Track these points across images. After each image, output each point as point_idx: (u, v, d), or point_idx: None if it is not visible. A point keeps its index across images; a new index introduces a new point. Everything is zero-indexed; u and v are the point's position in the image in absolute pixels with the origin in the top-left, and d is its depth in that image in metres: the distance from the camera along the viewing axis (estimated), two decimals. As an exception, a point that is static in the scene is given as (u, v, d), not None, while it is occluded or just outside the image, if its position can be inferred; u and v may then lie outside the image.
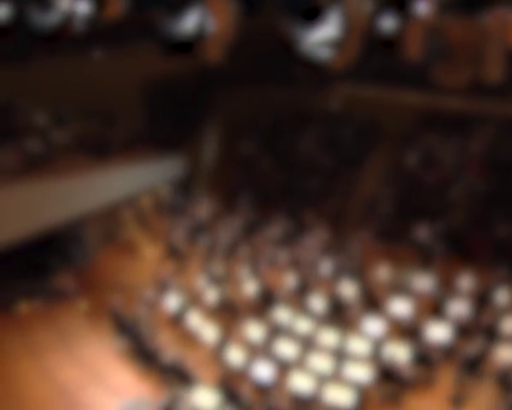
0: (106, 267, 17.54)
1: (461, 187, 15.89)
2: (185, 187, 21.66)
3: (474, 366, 10.16)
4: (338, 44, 6.42)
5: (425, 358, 10.66)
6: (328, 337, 11.68)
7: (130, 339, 12.96)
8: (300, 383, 10.56)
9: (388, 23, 7.48)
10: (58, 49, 13.03)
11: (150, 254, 17.99)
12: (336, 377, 10.66)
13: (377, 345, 11.22)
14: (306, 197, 17.97)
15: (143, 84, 19.99)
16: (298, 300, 13.50)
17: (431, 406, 10.00)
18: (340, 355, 11.20)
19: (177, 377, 11.34)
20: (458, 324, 11.38)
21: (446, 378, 10.40)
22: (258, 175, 20.08)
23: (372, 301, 12.71)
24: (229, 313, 13.61)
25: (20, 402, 11.21)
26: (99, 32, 8.30)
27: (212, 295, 14.09)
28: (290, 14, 6.13)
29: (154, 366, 12.01)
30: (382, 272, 13.66)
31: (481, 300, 12.02)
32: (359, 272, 13.86)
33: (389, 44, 7.62)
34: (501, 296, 11.92)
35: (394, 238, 15.21)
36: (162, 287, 14.89)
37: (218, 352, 12.14)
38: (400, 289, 12.95)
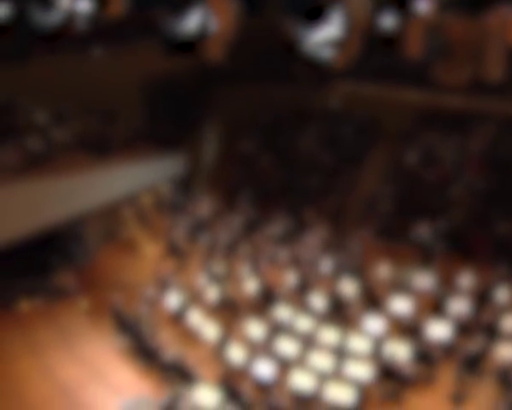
0: (106, 266, 17.55)
1: (461, 185, 15.89)
2: (185, 185, 21.69)
3: (474, 364, 10.17)
4: (340, 44, 6.43)
5: (425, 356, 10.68)
6: (329, 335, 11.69)
7: (131, 337, 12.98)
8: (301, 381, 10.57)
9: (389, 21, 7.49)
10: (58, 48, 13.02)
11: (151, 252, 18.01)
12: (337, 375, 10.67)
13: (378, 343, 11.23)
14: (306, 195, 17.98)
15: (144, 83, 20.00)
16: (298, 298, 13.52)
17: (431, 404, 10.01)
18: (341, 353, 11.21)
19: (178, 375, 11.35)
20: (458, 322, 11.40)
21: (447, 376, 10.42)
22: (259, 173, 20.09)
23: (372, 299, 12.72)
24: (229, 312, 13.62)
25: (21, 401, 11.22)
26: (99, 30, 8.31)
27: (212, 294, 14.10)
28: (293, 14, 6.14)
29: (154, 365, 12.02)
30: (383, 270, 13.67)
31: (481, 298, 12.03)
32: (360, 270, 13.88)
33: (390, 42, 7.65)
34: (501, 294, 11.94)
35: (394, 236, 15.22)
36: (163, 285, 14.90)
37: (218, 350, 12.16)
38: (400, 287, 12.97)
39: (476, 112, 17.12)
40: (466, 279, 12.72)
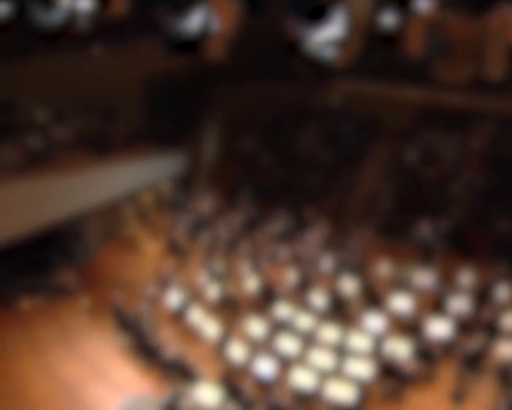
0: (107, 264, 17.56)
1: (461, 183, 15.92)
2: (186, 183, 21.70)
3: (474, 362, 10.20)
4: (342, 43, 6.44)
5: (426, 354, 10.71)
6: (329, 333, 11.72)
7: (132, 335, 13.00)
8: (302, 378, 10.59)
9: (389, 19, 7.49)
10: (59, 46, 13.02)
11: (151, 250, 18.02)
12: (337, 373, 10.70)
13: (378, 341, 11.26)
14: (307, 193, 18.00)
15: (144, 81, 20.01)
16: (299, 296, 13.54)
17: (432, 401, 10.04)
18: (341, 351, 11.23)
19: (178, 373, 11.38)
20: (459, 320, 11.43)
21: (447, 374, 10.45)
22: (259, 171, 20.10)
23: (373, 297, 12.74)
24: (230, 310, 13.64)
25: (22, 399, 11.25)
26: (100, 28, 8.31)
27: (213, 292, 14.12)
28: (295, 14, 6.15)
29: (155, 363, 12.04)
30: (383, 268, 13.69)
31: (482, 296, 12.06)
32: (360, 268, 13.90)
33: (390, 40, 7.64)
34: (501, 292, 11.97)
35: (395, 234, 15.25)
36: (163, 283, 14.92)
37: (219, 348, 12.18)
38: (401, 285, 13.00)
39: (476, 110, 17.12)
40: (466, 277, 12.75)
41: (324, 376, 10.52)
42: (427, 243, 14.37)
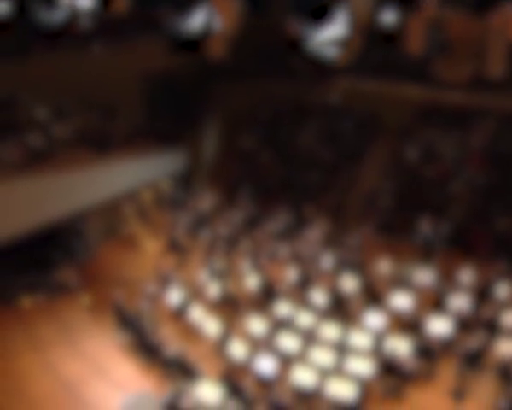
0: (108, 262, 17.58)
1: (461, 181, 15.92)
2: (186, 181, 21.71)
3: (474, 360, 10.23)
4: (344, 43, 6.44)
5: (426, 351, 10.74)
6: (330, 331, 11.74)
7: (133, 333, 13.02)
8: (302, 376, 10.62)
9: (390, 17, 7.50)
10: (59, 44, 13.02)
11: (151, 248, 18.03)
12: (338, 370, 10.73)
13: (378, 339, 11.28)
14: (307, 191, 18.01)
15: (143, 79, 20.01)
16: (299, 294, 13.56)
17: (432, 399, 10.07)
18: (342, 349, 11.26)
19: (179, 371, 11.40)
20: (459, 317, 11.45)
21: (447, 372, 10.48)
22: (259, 169, 20.11)
23: (373, 295, 12.76)
24: (230, 307, 13.67)
25: (23, 397, 11.29)
26: (100, 26, 8.31)
27: (213, 290, 14.14)
28: (298, 13, 6.15)
29: (156, 360, 12.07)
30: (383, 266, 13.71)
31: (482, 294, 12.07)
32: (360, 266, 13.91)
33: (391, 38, 7.65)
34: (501, 290, 11.98)
35: (395, 232, 15.27)
36: (164, 281, 14.94)
37: (220, 346, 12.21)
38: (401, 282, 13.01)
39: (476, 108, 17.11)
40: (466, 275, 12.76)
41: (325, 374, 10.55)
42: (428, 240, 14.38)
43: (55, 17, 6.76)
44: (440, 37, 8.18)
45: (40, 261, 15.89)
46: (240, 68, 17.68)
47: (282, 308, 12.88)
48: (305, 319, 12.41)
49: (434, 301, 12.12)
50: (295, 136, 20.27)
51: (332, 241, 15.58)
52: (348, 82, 19.80)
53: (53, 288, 15.74)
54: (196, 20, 6.05)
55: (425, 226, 14.70)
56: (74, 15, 6.91)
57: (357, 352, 11.14)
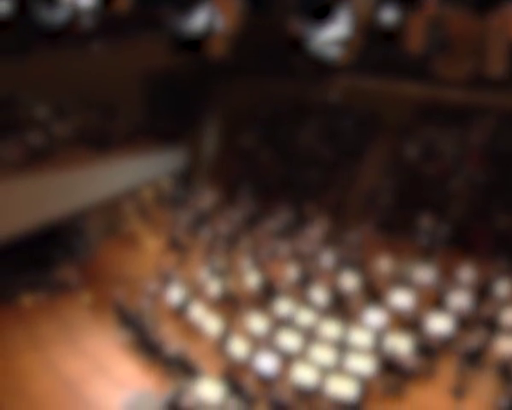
0: (108, 260, 17.60)
1: (461, 179, 15.95)
2: (186, 179, 21.73)
3: (474, 358, 10.25)
4: (346, 42, 6.45)
5: (426, 349, 10.76)
6: (330, 329, 11.76)
7: (134, 331, 13.03)
8: (303, 374, 10.63)
9: (390, 15, 7.50)
10: (59, 42, 13.02)
11: (152, 246, 18.05)
12: (338, 368, 10.74)
13: (379, 337, 11.30)
14: (307, 189, 18.04)
15: (144, 77, 20.01)
16: (299, 292, 13.58)
17: (432, 397, 10.10)
18: (342, 347, 11.28)
19: (180, 369, 11.42)
20: (459, 315, 11.47)
21: (447, 370, 10.51)
22: (259, 167, 20.13)
23: (373, 293, 12.78)
24: (231, 306, 13.69)
25: (24, 395, 11.29)
26: (100, 25, 8.31)
27: (214, 288, 14.16)
28: (300, 13, 6.15)
29: (157, 359, 12.08)
30: (383, 264, 13.73)
31: (482, 291, 12.10)
32: (360, 264, 13.94)
33: (390, 36, 7.65)
34: (501, 288, 12.01)
35: (395, 230, 15.30)
36: (165, 279, 14.95)
37: (221, 344, 12.23)
38: (401, 280, 13.03)
39: (476, 105, 17.12)
40: (466, 273, 12.78)
41: (325, 372, 10.57)
42: (428, 238, 14.40)
43: (56, 16, 6.77)
44: (440, 35, 8.17)
45: (41, 260, 15.90)
46: (240, 67, 17.69)
47: (283, 306, 12.90)
48: (305, 317, 12.43)
49: (434, 299, 12.14)
50: (295, 134, 20.28)
51: (332, 239, 15.61)
52: (348, 80, 19.79)
53: (53, 286, 15.76)
54: (198, 19, 6.06)
55: (425, 224, 14.72)
56: (76, 14, 6.92)
57: (357, 350, 11.15)
